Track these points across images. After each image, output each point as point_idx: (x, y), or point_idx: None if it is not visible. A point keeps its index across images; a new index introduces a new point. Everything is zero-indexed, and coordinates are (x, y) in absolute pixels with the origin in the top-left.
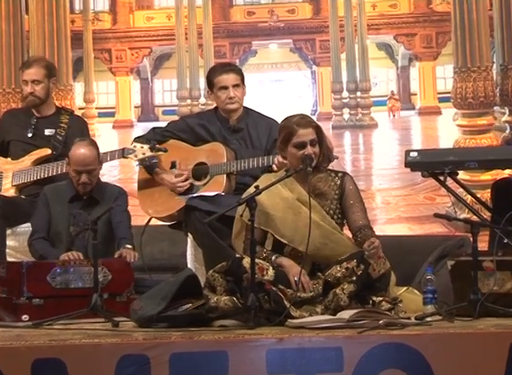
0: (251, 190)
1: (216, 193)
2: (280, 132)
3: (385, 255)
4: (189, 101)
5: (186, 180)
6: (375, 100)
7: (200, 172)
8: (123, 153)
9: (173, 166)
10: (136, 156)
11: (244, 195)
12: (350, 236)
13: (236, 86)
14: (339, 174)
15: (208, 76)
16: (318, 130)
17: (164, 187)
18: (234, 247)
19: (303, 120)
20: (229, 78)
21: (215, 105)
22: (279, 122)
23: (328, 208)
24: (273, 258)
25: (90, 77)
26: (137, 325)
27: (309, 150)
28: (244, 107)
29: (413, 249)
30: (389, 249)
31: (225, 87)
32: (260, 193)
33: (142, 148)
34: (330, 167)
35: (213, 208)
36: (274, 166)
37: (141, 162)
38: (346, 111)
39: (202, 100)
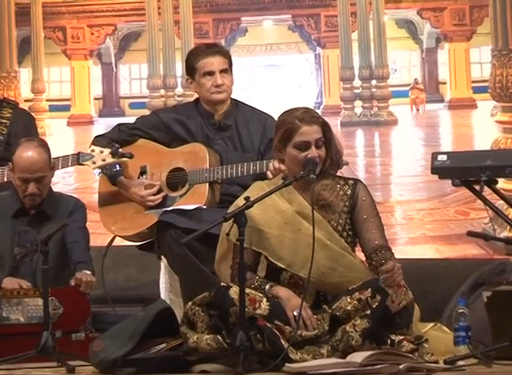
0: (240, 202)
1: (196, 206)
2: (278, 128)
3: (406, 282)
4: (162, 92)
5: (158, 192)
6: (394, 90)
7: (177, 180)
8: (78, 159)
9: (143, 172)
10: (94, 163)
11: (231, 209)
12: (364, 259)
13: (223, 71)
14: (350, 182)
15: (188, 60)
16: (326, 127)
17: (130, 201)
18: (218, 273)
19: (307, 115)
20: (215, 61)
21: (195, 96)
22: (276, 118)
23: (335, 223)
24: (267, 287)
25: (39, 62)
26: (98, 370)
27: (313, 152)
28: (233, 99)
29: (441, 276)
30: (411, 276)
31: (211, 73)
32: (251, 206)
33: (102, 152)
34: (339, 174)
35: (192, 225)
36: (269, 173)
37: (101, 170)
38: (358, 104)
39: (179, 90)
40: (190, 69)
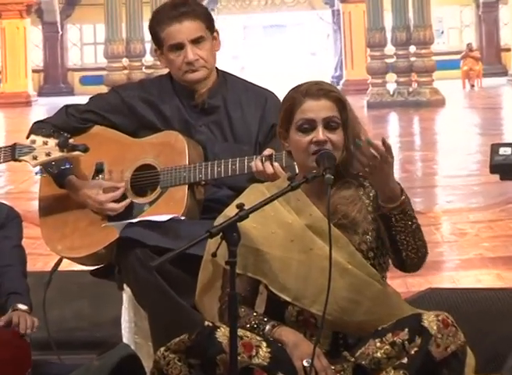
0: (231, 211)
1: (171, 217)
2: (281, 109)
3: (456, 320)
4: (125, 62)
5: (121, 196)
6: (439, 60)
7: (145, 182)
8: (14, 153)
9: (98, 171)
10: (35, 158)
11: (219, 220)
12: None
13: (197, 41)
14: None
15: (151, 27)
16: (341, 104)
17: (84, 209)
18: (201, 308)
19: (315, 87)
20: (183, 29)
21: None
22: (281, 96)
23: (358, 240)
24: (268, 327)
25: None
26: None
27: (319, 134)
28: (220, 71)
29: (504, 312)
30: (464, 311)
31: (179, 46)
32: (246, 216)
33: (46, 144)
34: None
35: (166, 243)
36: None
37: (44, 168)
38: (391, 78)
39: (148, 59)
40: (156, 40)
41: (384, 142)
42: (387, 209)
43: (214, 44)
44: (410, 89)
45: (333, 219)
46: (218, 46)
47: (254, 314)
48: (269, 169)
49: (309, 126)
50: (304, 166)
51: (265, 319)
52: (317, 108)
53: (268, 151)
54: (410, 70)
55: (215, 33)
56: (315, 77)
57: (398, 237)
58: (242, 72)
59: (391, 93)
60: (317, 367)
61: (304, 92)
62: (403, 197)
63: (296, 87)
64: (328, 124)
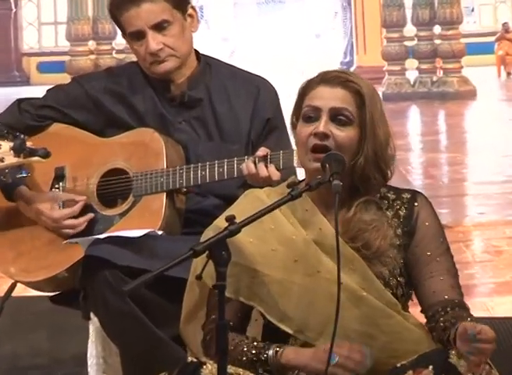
0: (222, 223)
1: (147, 231)
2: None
3: (491, 356)
4: (92, 45)
5: (84, 210)
6: (470, 43)
7: (115, 189)
8: None
9: (59, 177)
10: None
11: (207, 235)
12: (424, 320)
13: (160, 27)
14: (405, 196)
15: (110, 11)
16: (361, 100)
17: (39, 226)
18: (186, 338)
19: (334, 73)
20: (141, 13)
21: None
22: (277, 86)
23: (382, 268)
24: (271, 353)
25: None
26: None
27: (320, 126)
28: (202, 57)
29: None
30: (500, 345)
31: (140, 34)
32: (237, 231)
33: None
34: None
35: (141, 263)
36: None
37: None
38: (411, 64)
39: (119, 42)
40: (118, 26)
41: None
42: None
43: (188, 24)
44: (435, 78)
45: (352, 244)
46: (195, 26)
47: (247, 341)
48: (263, 171)
49: (314, 114)
50: (304, 165)
51: (263, 345)
52: (327, 96)
53: (262, 151)
54: (434, 55)
55: (189, 11)
56: (320, 63)
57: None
58: (232, 57)
59: (411, 82)
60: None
61: (319, 77)
62: None
63: (317, 75)
64: (336, 117)
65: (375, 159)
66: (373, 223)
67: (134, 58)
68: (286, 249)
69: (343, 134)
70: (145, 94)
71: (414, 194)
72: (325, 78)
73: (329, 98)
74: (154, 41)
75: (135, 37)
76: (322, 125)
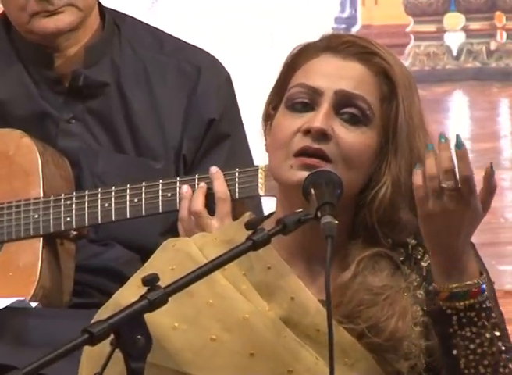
0: (130, 293)
1: (12, 301)
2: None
3: None
4: None
5: None
6: None
7: None
8: None
9: None
10: None
11: (104, 312)
12: None
13: None
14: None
15: None
16: (391, 86)
17: None
18: None
19: (344, 38)
20: None
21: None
22: (235, 61)
23: (397, 360)
24: None
25: None
26: None
27: (317, 119)
28: (107, 12)
29: None
30: None
31: None
32: (163, 302)
33: None
34: None
35: (2, 357)
36: (180, 226)
37: None
38: (454, 22)
39: None
40: None
41: (489, 170)
42: (444, 297)
43: None
44: (493, 45)
45: (349, 325)
46: None
47: None
48: (198, 204)
49: (308, 99)
50: (279, 179)
51: None
52: (335, 72)
53: (212, 169)
54: (492, 8)
55: None
56: (303, 21)
57: (456, 353)
58: (152, 11)
59: (454, 53)
60: None
61: (324, 41)
62: (483, 280)
63: (318, 39)
64: (345, 108)
65: (406, 189)
66: (385, 292)
67: None
68: (234, 337)
69: (353, 136)
70: (10, 72)
71: None
72: (334, 44)
73: (338, 75)
74: None
75: None
76: (321, 117)
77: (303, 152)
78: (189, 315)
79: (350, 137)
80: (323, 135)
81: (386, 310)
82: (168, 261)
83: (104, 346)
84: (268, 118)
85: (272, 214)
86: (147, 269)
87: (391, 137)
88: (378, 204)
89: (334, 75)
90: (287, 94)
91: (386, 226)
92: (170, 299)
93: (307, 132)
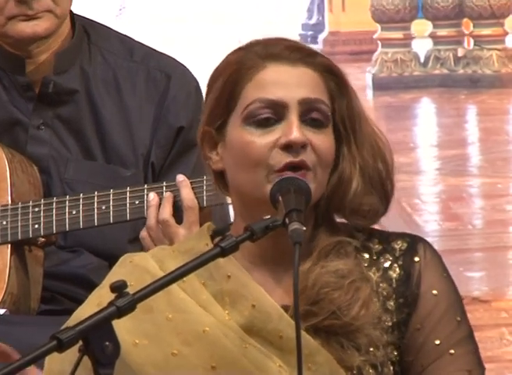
0: (96, 302)
1: None
2: (212, 84)
3: None
4: None
5: None
6: None
7: None
8: None
9: None
10: None
11: (76, 318)
12: None
13: None
14: (398, 246)
15: None
16: (339, 84)
17: None
18: None
19: (285, 43)
20: None
21: None
22: (201, 68)
23: (362, 359)
24: None
25: None
26: None
27: (293, 132)
28: (78, 20)
29: None
30: None
31: None
32: (131, 308)
33: None
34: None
35: None
36: (143, 233)
37: None
38: (421, 28)
39: None
40: None
41: None
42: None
43: None
44: (460, 51)
45: (311, 316)
46: None
47: None
48: (165, 211)
49: (272, 113)
50: (258, 193)
51: None
52: (290, 81)
53: (178, 177)
54: (459, 14)
55: None
56: (270, 28)
57: None
58: (119, 18)
59: (421, 59)
60: None
61: (263, 52)
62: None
63: (244, 46)
64: (309, 115)
65: (371, 181)
66: (350, 276)
67: None
68: (194, 351)
69: (323, 141)
70: None
71: (414, 242)
72: (275, 53)
73: (294, 84)
74: None
75: None
76: (296, 130)
77: (287, 167)
78: (149, 331)
79: (320, 141)
80: (302, 145)
81: (351, 295)
82: (125, 277)
83: (74, 353)
84: (205, 137)
85: (230, 224)
86: (106, 285)
87: (349, 129)
88: (330, 192)
89: (290, 84)
90: (246, 111)
91: (350, 213)
92: (129, 317)
93: (287, 147)
